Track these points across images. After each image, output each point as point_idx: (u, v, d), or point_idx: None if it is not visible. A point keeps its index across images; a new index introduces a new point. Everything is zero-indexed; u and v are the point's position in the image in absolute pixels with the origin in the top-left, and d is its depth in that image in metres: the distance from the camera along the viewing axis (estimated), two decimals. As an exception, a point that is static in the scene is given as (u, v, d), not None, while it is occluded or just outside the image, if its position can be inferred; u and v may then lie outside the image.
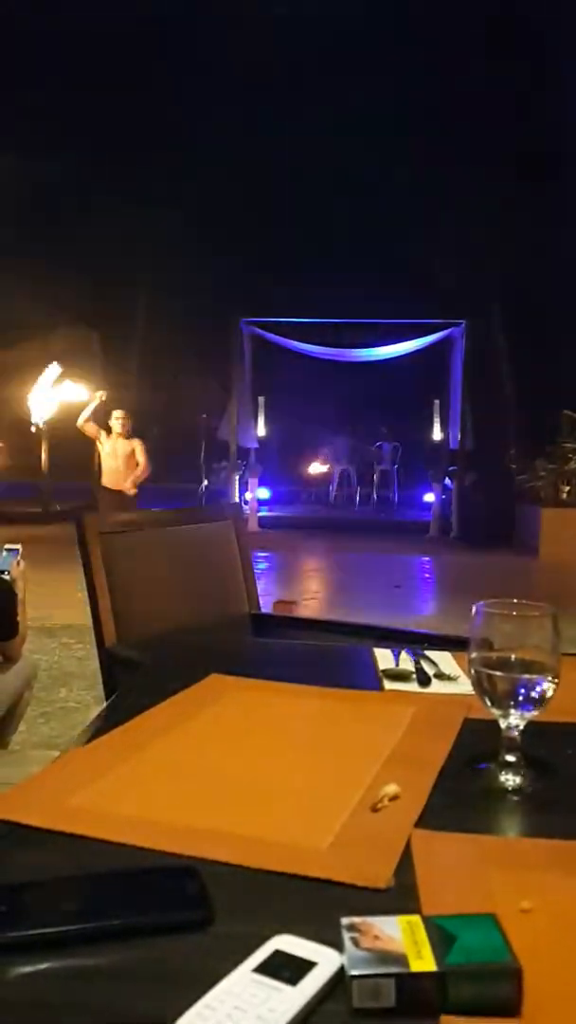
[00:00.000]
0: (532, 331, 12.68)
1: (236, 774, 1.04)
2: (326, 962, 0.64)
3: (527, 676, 0.99)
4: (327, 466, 16.82)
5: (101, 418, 9.07)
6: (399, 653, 1.56)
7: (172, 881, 0.76)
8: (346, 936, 0.65)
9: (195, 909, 0.72)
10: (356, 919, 0.67)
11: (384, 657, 1.56)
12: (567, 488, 11.04)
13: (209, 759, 1.10)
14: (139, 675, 1.66)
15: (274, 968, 0.63)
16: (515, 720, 1.00)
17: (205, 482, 14.35)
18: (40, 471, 14.23)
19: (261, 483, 13.91)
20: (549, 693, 0.99)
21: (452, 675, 1.44)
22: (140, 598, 2.20)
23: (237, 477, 13.67)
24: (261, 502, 13.90)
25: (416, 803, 0.94)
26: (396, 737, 1.15)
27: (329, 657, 1.75)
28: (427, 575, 10.12)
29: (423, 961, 0.62)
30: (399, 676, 1.45)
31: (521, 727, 1.01)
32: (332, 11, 13.28)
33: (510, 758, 1.01)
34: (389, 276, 13.44)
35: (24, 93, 13.34)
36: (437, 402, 15.06)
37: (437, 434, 15.23)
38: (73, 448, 10.91)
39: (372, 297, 13.44)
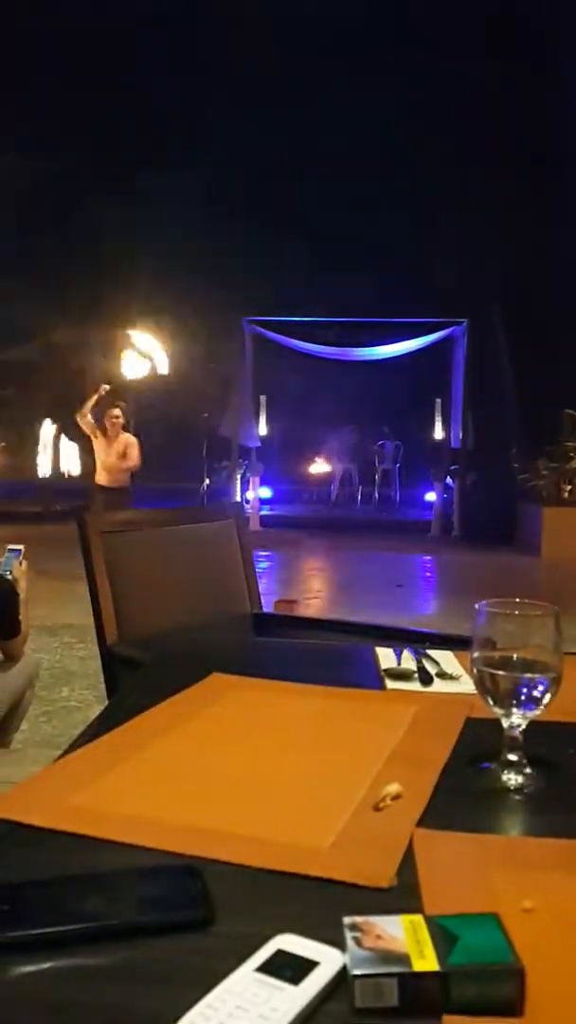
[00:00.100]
0: (533, 330, 12.67)
1: (238, 773, 1.04)
2: (328, 962, 0.64)
3: (529, 675, 0.99)
4: (329, 465, 16.81)
5: (99, 414, 9.08)
6: (401, 652, 1.56)
7: (174, 881, 0.76)
8: (348, 936, 0.65)
9: (197, 909, 0.72)
10: (358, 918, 0.67)
11: (386, 656, 1.56)
12: (569, 487, 11.03)
13: (211, 758, 1.10)
14: (140, 674, 1.66)
15: (276, 968, 0.63)
16: (517, 719, 1.00)
17: (207, 481, 14.35)
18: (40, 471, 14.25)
19: (263, 482, 13.90)
20: (551, 692, 0.99)
21: (454, 674, 1.44)
22: (142, 597, 2.20)
23: (239, 476, 13.66)
24: (263, 501, 13.90)
25: (418, 802, 0.94)
26: (398, 736, 1.15)
27: (331, 656, 1.75)
28: (429, 574, 10.12)
29: (425, 961, 0.62)
30: (401, 675, 1.45)
31: (523, 726, 1.01)
32: (332, 11, 13.28)
33: (512, 757, 1.01)
34: (391, 275, 13.44)
35: (24, 92, 13.35)
36: (439, 401, 15.05)
37: (439, 433, 15.23)
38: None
39: (374, 296, 13.44)
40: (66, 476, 14.72)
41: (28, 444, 14.71)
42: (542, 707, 1.00)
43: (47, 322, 14.19)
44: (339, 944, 0.65)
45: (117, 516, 2.49)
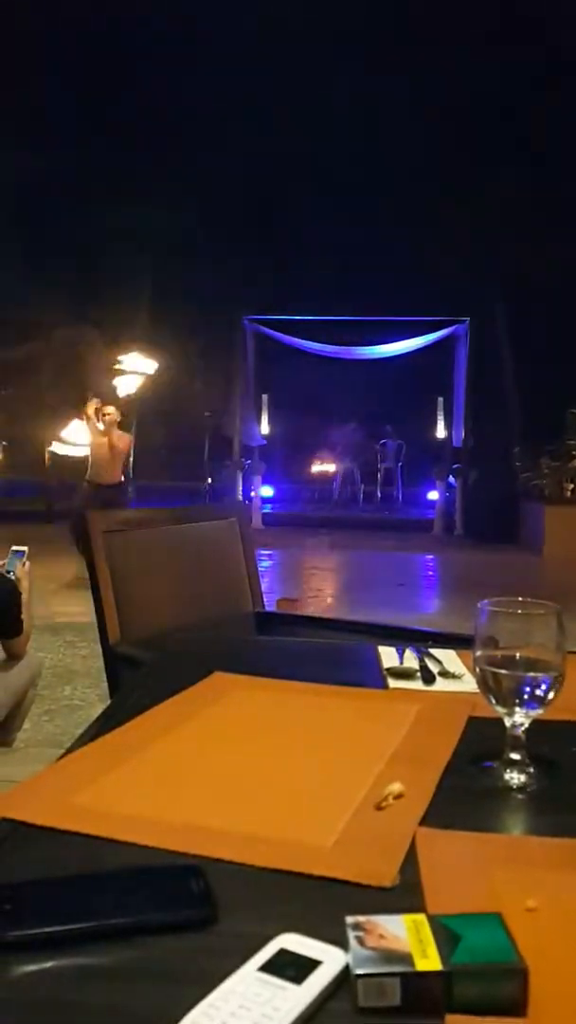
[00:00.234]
0: (536, 328, 12.65)
1: (240, 772, 1.04)
2: (331, 961, 0.64)
3: (532, 674, 0.99)
4: (331, 464, 16.81)
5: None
6: (403, 651, 1.56)
7: (176, 880, 0.76)
8: (351, 935, 0.65)
9: (199, 908, 0.72)
10: (361, 918, 0.67)
11: (388, 655, 1.55)
12: (571, 486, 11.03)
13: (213, 757, 1.10)
14: (143, 673, 1.66)
15: (279, 967, 0.63)
16: (520, 718, 1.00)
17: (209, 480, 14.35)
18: (43, 470, 14.23)
19: (265, 481, 13.90)
20: (554, 691, 0.99)
21: (456, 673, 1.44)
22: (144, 596, 2.20)
23: (241, 475, 13.67)
24: (265, 500, 13.90)
25: (421, 801, 0.94)
26: (400, 735, 1.15)
27: (333, 655, 1.75)
28: (431, 573, 10.12)
29: (428, 960, 0.62)
30: (403, 674, 1.45)
31: (526, 725, 1.01)
32: (335, 7, 13.27)
33: (515, 756, 1.01)
34: (393, 273, 13.42)
35: (25, 90, 13.34)
36: (441, 400, 15.05)
37: (441, 432, 15.22)
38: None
39: (376, 294, 13.42)
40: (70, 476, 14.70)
41: (30, 443, 14.70)
42: (545, 706, 0.99)
43: (47, 321, 14.19)
44: (342, 943, 0.65)
45: (119, 515, 2.49)
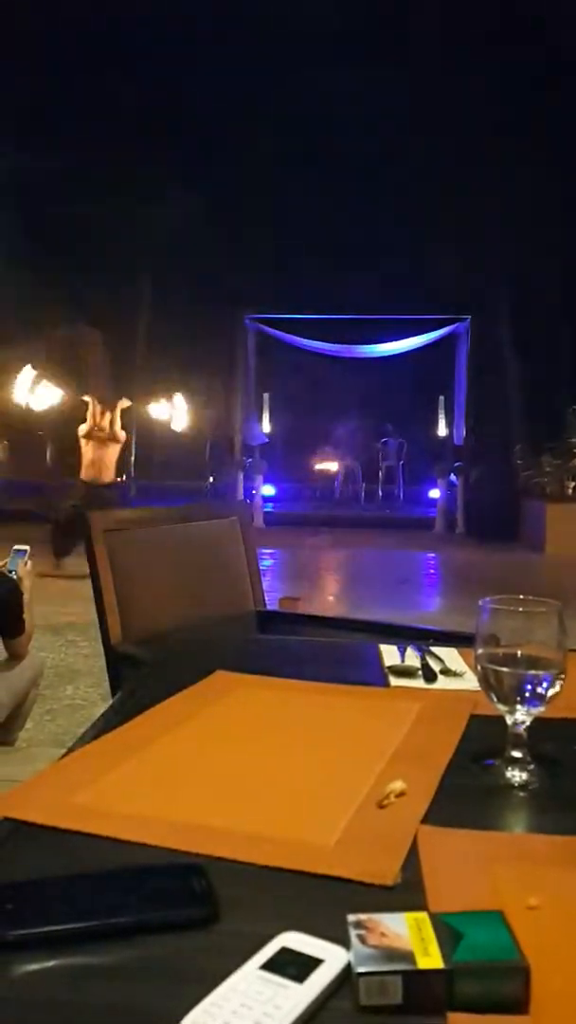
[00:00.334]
0: (537, 326, 12.65)
1: (242, 771, 1.04)
2: (333, 959, 0.64)
3: (533, 672, 0.99)
4: (332, 463, 16.80)
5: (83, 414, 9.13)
6: (405, 649, 1.56)
7: (178, 879, 0.76)
8: (353, 933, 0.65)
9: (201, 906, 0.72)
10: (363, 916, 0.67)
11: (390, 653, 1.55)
12: (573, 484, 11.02)
13: (214, 756, 1.10)
14: (145, 672, 1.67)
15: (281, 965, 0.63)
16: (521, 716, 1.00)
17: (210, 479, 14.35)
18: (44, 469, 14.24)
19: (266, 480, 13.90)
20: (555, 689, 0.99)
21: (458, 671, 1.44)
22: (146, 595, 2.20)
23: (242, 474, 13.67)
24: (266, 499, 13.89)
25: (422, 799, 0.94)
26: (402, 733, 1.15)
27: (335, 653, 1.75)
28: (432, 571, 10.11)
29: (430, 958, 0.62)
30: (405, 672, 1.45)
31: (527, 723, 1.01)
32: (334, 6, 13.25)
33: (516, 754, 1.01)
34: (394, 272, 13.41)
35: (24, 87, 13.32)
36: (442, 398, 15.05)
37: (442, 430, 15.22)
38: (76, 447, 10.91)
39: (377, 293, 13.41)
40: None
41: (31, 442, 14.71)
42: (546, 704, 0.99)
43: (47, 320, 14.19)
44: (343, 942, 0.65)
45: (121, 514, 2.49)
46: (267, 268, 13.61)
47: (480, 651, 1.02)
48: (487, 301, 13.05)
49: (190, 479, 14.34)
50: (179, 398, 11.71)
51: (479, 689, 1.04)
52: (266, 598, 2.56)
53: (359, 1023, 0.61)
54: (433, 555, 10.78)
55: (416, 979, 0.61)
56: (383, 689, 1.39)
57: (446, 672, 1.44)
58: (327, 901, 0.75)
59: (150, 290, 14.23)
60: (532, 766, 1.00)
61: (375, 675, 1.45)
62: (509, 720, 1.01)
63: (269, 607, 2.61)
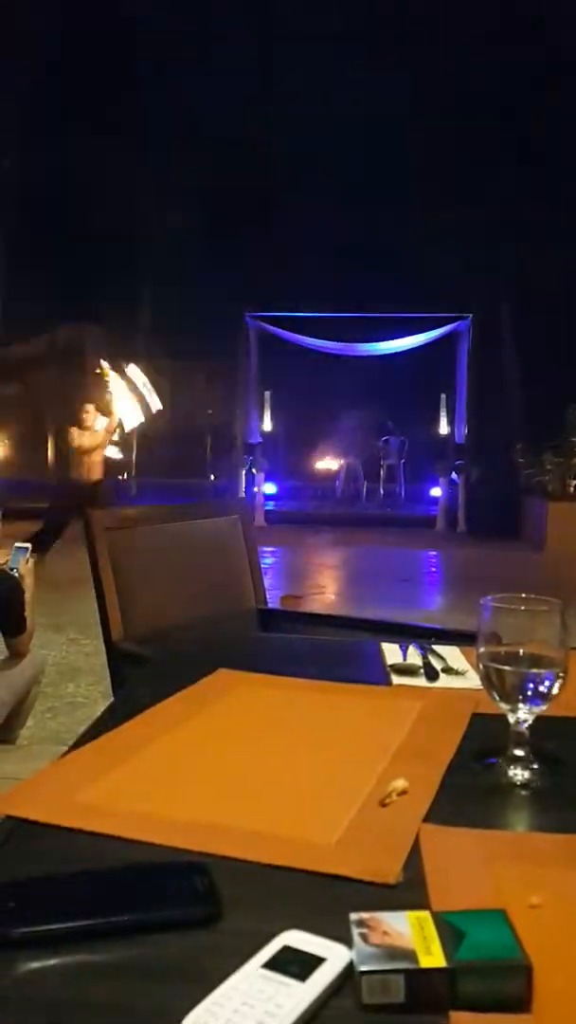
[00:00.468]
0: (539, 324, 12.64)
1: (243, 770, 1.04)
2: (335, 958, 0.64)
3: (535, 670, 0.99)
4: (333, 461, 16.80)
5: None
6: (407, 648, 1.56)
7: (181, 877, 0.76)
8: (355, 932, 0.65)
9: (204, 905, 0.72)
10: (365, 915, 0.67)
11: (392, 652, 1.55)
12: (574, 482, 11.02)
13: (216, 755, 1.10)
14: (146, 670, 1.67)
15: (283, 964, 0.63)
16: (524, 715, 1.00)
17: (211, 477, 14.34)
18: (46, 467, 14.26)
19: (267, 478, 13.89)
20: (557, 687, 0.99)
21: (460, 670, 1.44)
22: (147, 593, 2.20)
23: (243, 472, 13.67)
24: (267, 497, 13.89)
25: (425, 798, 0.94)
26: (404, 732, 1.14)
27: (336, 652, 1.75)
28: (434, 569, 10.11)
29: (432, 957, 0.62)
30: (407, 671, 1.45)
31: (530, 721, 1.00)
32: (336, 7, 13.24)
33: (519, 753, 1.01)
34: (395, 270, 13.39)
35: (25, 87, 13.31)
36: (443, 396, 15.03)
37: (443, 428, 15.21)
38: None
39: (378, 291, 13.40)
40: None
41: (33, 440, 14.72)
42: (548, 702, 0.99)
43: (49, 319, 14.20)
44: (346, 940, 0.65)
45: (122, 513, 2.49)
46: (268, 265, 13.60)
47: (482, 649, 1.02)
48: (489, 299, 13.04)
49: (191, 477, 14.34)
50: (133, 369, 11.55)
51: (481, 688, 1.04)
52: (267, 596, 2.56)
53: (361, 1022, 0.61)
54: (434, 553, 10.77)
55: (418, 978, 0.61)
56: (385, 688, 1.39)
57: (448, 670, 1.44)
58: (329, 900, 0.75)
59: (151, 287, 14.23)
60: (534, 765, 1.00)
61: (377, 673, 1.45)
62: (511, 719, 1.01)
63: (270, 605, 2.61)
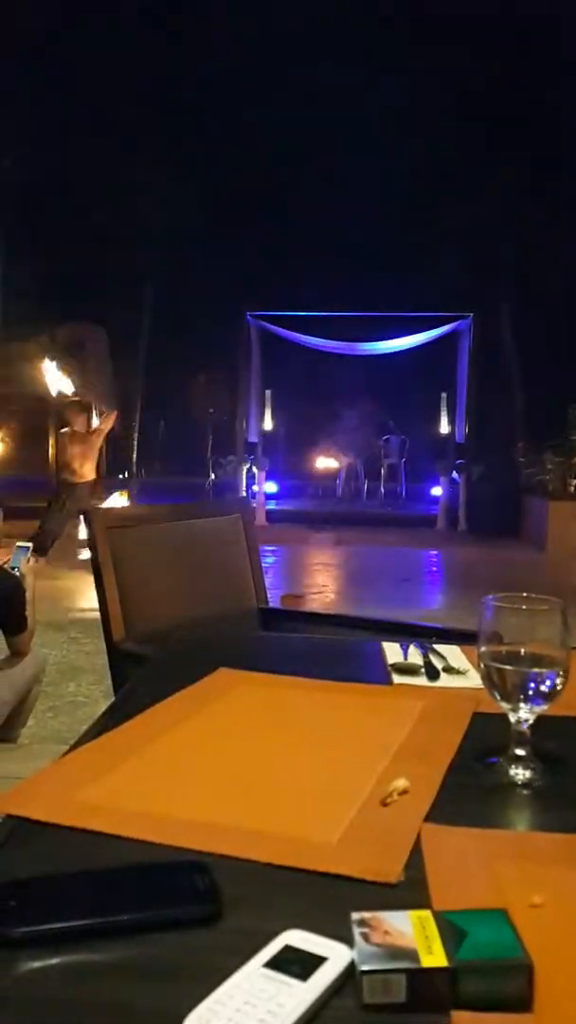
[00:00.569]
0: (540, 324, 12.66)
1: (244, 769, 1.04)
2: (336, 957, 0.64)
3: (536, 670, 0.99)
4: (334, 460, 16.81)
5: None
6: (408, 647, 1.56)
7: (181, 876, 0.75)
8: (356, 931, 0.65)
9: (205, 904, 0.72)
10: (366, 914, 0.67)
11: (393, 651, 1.55)
12: (575, 481, 11.02)
13: (217, 754, 1.10)
14: (147, 669, 1.66)
15: (284, 963, 0.63)
16: (525, 714, 1.00)
17: (212, 476, 14.35)
18: (48, 465, 14.27)
19: (268, 477, 13.90)
20: (559, 687, 0.99)
21: (461, 669, 1.44)
22: (148, 593, 2.20)
23: (244, 471, 13.67)
24: (268, 496, 13.89)
25: (426, 797, 0.94)
26: (405, 731, 1.14)
27: (337, 651, 1.75)
28: (435, 569, 10.11)
29: (434, 956, 0.62)
30: (408, 670, 1.45)
31: (531, 721, 1.00)
32: (340, 4, 13.25)
33: (520, 752, 1.01)
34: (396, 269, 13.42)
35: (26, 87, 13.32)
36: (444, 395, 15.04)
37: (444, 427, 15.22)
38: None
39: (379, 290, 13.42)
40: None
41: (34, 440, 14.73)
42: (549, 701, 0.99)
43: (50, 318, 14.20)
44: (347, 940, 0.65)
45: (123, 511, 2.49)
46: (269, 265, 13.62)
47: (483, 649, 1.02)
48: (489, 299, 13.04)
49: (192, 476, 14.35)
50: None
51: (482, 687, 1.04)
52: (268, 595, 2.56)
53: (363, 1021, 0.61)
54: (435, 552, 10.77)
55: (420, 977, 0.61)
56: (386, 687, 1.39)
57: (449, 670, 1.44)
58: (330, 899, 0.74)
59: (152, 287, 14.23)
60: (535, 764, 1.00)
61: (378, 673, 1.45)
62: (512, 718, 1.01)
63: (271, 604, 2.61)
